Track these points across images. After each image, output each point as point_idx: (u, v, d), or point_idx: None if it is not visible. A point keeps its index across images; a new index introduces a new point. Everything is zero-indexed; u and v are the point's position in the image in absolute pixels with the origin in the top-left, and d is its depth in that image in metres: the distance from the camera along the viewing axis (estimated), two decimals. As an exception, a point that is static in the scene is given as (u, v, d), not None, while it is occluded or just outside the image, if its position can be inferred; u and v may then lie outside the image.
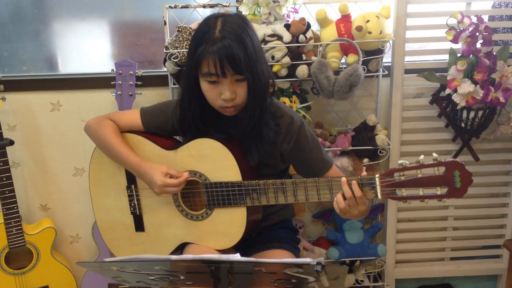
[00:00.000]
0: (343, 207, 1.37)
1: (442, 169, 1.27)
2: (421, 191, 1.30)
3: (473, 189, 2.22)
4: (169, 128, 1.59)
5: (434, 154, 1.27)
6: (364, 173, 1.39)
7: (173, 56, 1.90)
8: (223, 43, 1.35)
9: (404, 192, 1.31)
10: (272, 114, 1.50)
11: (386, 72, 2.09)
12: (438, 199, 1.30)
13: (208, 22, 1.41)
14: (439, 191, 1.29)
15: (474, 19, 1.91)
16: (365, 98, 2.22)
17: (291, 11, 1.96)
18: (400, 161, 1.29)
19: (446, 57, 2.05)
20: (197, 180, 1.52)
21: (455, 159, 1.27)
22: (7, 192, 2.02)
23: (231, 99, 1.41)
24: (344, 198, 1.36)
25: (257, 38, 1.44)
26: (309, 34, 1.91)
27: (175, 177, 1.47)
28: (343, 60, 2.02)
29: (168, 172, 1.47)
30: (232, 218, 1.50)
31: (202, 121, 1.50)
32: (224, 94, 1.40)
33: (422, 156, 1.28)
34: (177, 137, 1.68)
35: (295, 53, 1.93)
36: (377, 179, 1.33)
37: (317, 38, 1.99)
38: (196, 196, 1.56)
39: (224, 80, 1.39)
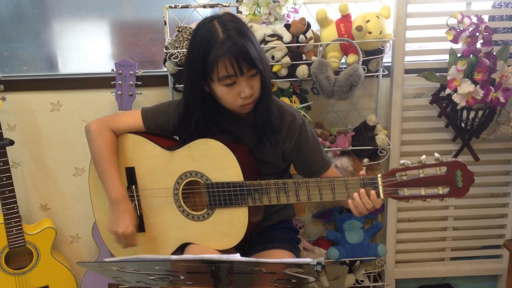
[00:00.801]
0: (361, 209, 1.38)
1: (444, 169, 1.28)
2: (423, 191, 1.30)
3: (473, 189, 2.18)
4: (170, 128, 1.59)
5: (436, 154, 1.27)
6: (362, 172, 1.39)
7: (173, 56, 1.90)
8: (232, 41, 1.35)
9: (406, 191, 1.31)
10: (277, 111, 1.52)
11: (386, 72, 2.09)
12: (440, 198, 1.30)
13: (207, 28, 1.40)
14: (441, 190, 1.29)
15: (474, 19, 1.91)
16: (365, 98, 2.22)
17: (291, 11, 1.96)
18: (402, 161, 1.30)
19: (446, 57, 2.05)
20: (198, 180, 1.52)
21: (457, 159, 1.27)
22: (7, 192, 2.02)
23: (250, 95, 1.42)
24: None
25: (252, 30, 1.46)
26: (309, 34, 1.91)
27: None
28: (343, 60, 2.02)
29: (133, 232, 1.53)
30: (233, 218, 1.50)
31: (206, 126, 1.51)
32: (244, 92, 1.41)
33: (424, 156, 1.28)
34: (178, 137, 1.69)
35: (295, 53, 1.93)
36: (379, 179, 1.34)
37: (317, 38, 1.99)
38: (197, 196, 1.56)
39: (242, 78, 1.39)
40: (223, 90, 1.42)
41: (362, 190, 1.36)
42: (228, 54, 1.35)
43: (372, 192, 1.35)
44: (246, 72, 1.39)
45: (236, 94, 1.42)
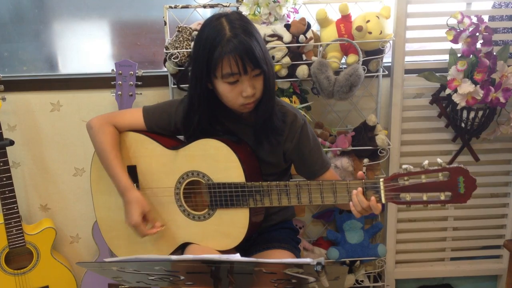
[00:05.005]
0: (360, 210, 1.38)
1: (446, 175, 1.27)
2: (424, 196, 1.29)
3: (473, 189, 2.23)
4: (172, 127, 1.59)
5: (439, 160, 1.27)
6: (360, 172, 1.39)
7: (173, 56, 1.90)
8: (239, 40, 1.35)
9: (407, 197, 1.30)
10: (279, 112, 1.52)
11: (386, 72, 2.09)
12: (441, 204, 1.29)
13: (214, 25, 1.40)
14: (442, 196, 1.28)
15: (474, 19, 1.91)
16: (365, 98, 2.22)
17: (291, 11, 1.96)
18: (404, 166, 1.29)
19: (446, 57, 2.05)
20: (200, 180, 1.52)
21: (460, 165, 1.26)
22: (7, 192, 2.02)
23: (252, 95, 1.42)
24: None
25: (258, 30, 1.46)
26: (309, 34, 1.91)
27: (150, 222, 1.53)
28: (343, 60, 2.02)
29: (147, 215, 1.51)
30: (234, 219, 1.50)
31: (210, 123, 1.51)
32: (246, 91, 1.41)
33: (426, 161, 1.28)
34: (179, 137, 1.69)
35: (295, 53, 1.93)
36: (381, 184, 1.33)
37: (317, 38, 1.99)
38: (199, 196, 1.56)
39: (245, 77, 1.40)
40: (226, 88, 1.42)
41: (359, 189, 1.36)
42: (234, 52, 1.35)
43: (373, 198, 1.35)
44: (250, 72, 1.39)
45: (238, 92, 1.42)
